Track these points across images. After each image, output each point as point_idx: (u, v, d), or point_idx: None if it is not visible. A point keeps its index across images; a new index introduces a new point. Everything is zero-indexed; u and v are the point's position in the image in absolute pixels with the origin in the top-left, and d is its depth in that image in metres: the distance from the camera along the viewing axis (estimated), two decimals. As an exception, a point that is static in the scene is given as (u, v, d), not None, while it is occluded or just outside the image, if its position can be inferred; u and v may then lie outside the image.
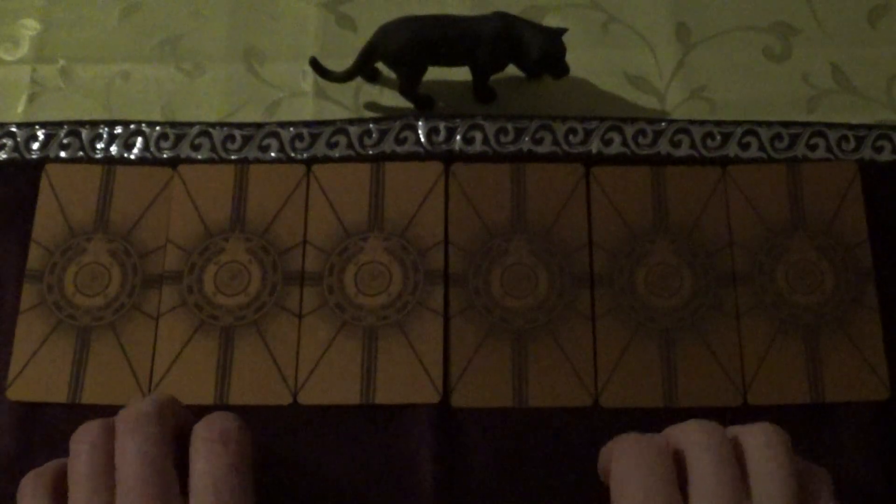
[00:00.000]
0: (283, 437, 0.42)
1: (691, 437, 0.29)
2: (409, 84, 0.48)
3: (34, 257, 0.45)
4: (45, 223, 0.46)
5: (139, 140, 0.48)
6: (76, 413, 0.42)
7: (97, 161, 0.47)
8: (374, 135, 0.48)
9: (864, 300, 0.44)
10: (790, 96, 0.49)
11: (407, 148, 0.47)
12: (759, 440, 0.28)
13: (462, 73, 0.48)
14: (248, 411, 0.43)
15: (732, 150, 0.47)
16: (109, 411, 0.43)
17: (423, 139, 0.47)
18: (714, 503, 0.26)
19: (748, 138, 0.48)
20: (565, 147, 0.47)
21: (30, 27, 0.52)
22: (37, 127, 0.48)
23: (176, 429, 0.35)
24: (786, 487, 0.26)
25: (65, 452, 0.36)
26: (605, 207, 0.46)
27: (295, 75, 0.50)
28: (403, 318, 0.44)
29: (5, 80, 0.50)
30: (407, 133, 0.48)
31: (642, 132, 0.48)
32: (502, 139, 0.48)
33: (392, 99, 0.49)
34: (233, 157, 0.47)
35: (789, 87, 0.50)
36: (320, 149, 0.48)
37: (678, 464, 0.29)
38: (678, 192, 0.46)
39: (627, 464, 0.30)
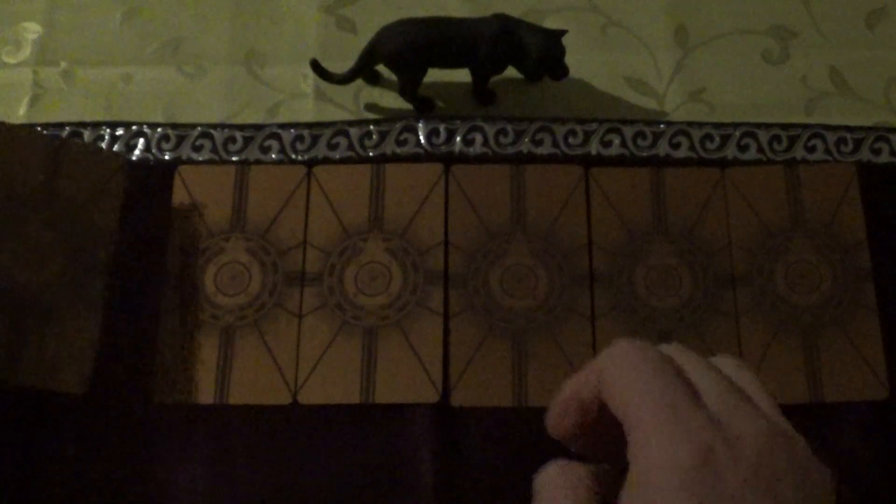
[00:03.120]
0: (283, 437, 0.42)
1: (674, 354, 0.26)
2: (409, 86, 0.48)
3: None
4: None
5: (141, 141, 0.48)
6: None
7: (98, 162, 0.48)
8: (374, 136, 0.48)
9: (863, 300, 0.44)
10: (788, 99, 0.50)
11: (407, 149, 0.47)
12: (730, 363, 0.26)
13: (462, 75, 0.48)
14: (248, 411, 0.43)
15: (731, 151, 0.48)
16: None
17: (423, 141, 0.48)
18: (720, 396, 0.23)
19: (747, 140, 0.48)
20: (565, 149, 0.48)
21: (32, 30, 0.52)
22: (39, 128, 0.48)
23: None
24: (769, 396, 0.25)
25: None
26: (604, 208, 0.46)
27: (296, 77, 0.50)
28: (403, 318, 0.44)
29: (7, 83, 0.50)
30: (407, 135, 0.48)
31: (641, 134, 0.48)
32: (502, 141, 0.48)
33: (392, 101, 0.49)
34: (234, 159, 0.48)
35: (788, 90, 0.50)
36: (321, 150, 0.48)
37: None
38: (677, 193, 0.46)
39: (625, 367, 0.23)
